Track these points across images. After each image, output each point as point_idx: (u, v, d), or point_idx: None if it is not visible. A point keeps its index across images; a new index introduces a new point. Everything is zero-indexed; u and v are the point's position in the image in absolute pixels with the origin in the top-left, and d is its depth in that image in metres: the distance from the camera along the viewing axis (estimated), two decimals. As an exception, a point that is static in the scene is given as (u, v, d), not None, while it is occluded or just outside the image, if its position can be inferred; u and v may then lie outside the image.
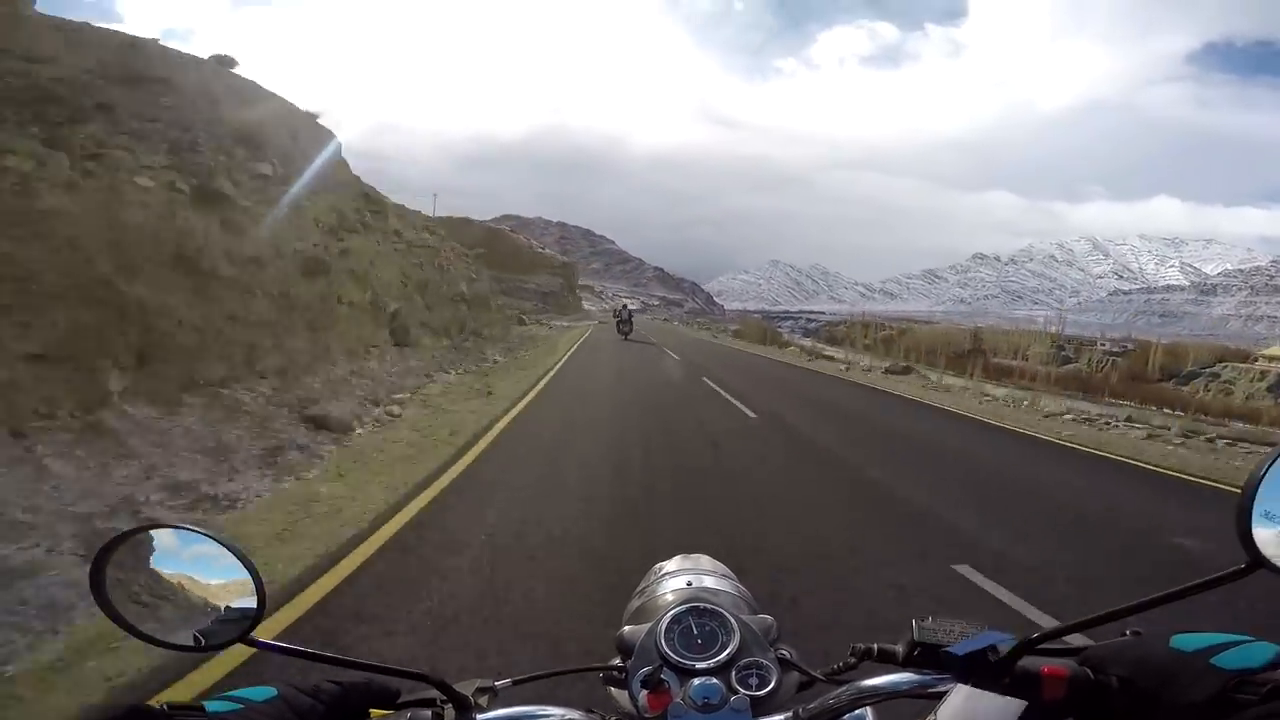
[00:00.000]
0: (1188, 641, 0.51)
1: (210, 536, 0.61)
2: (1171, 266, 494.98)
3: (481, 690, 0.66)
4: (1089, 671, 0.55)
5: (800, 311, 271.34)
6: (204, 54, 11.23)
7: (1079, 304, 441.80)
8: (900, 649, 0.63)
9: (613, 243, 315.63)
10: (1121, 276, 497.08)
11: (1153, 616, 0.52)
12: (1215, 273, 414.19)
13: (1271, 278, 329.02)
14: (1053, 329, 52.92)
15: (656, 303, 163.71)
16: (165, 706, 0.50)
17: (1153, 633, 0.55)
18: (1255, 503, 0.49)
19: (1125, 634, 0.58)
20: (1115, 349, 46.96)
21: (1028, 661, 0.56)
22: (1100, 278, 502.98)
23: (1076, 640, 0.58)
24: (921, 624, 0.63)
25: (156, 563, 0.61)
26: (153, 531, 0.62)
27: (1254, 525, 0.49)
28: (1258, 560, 0.48)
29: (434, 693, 0.64)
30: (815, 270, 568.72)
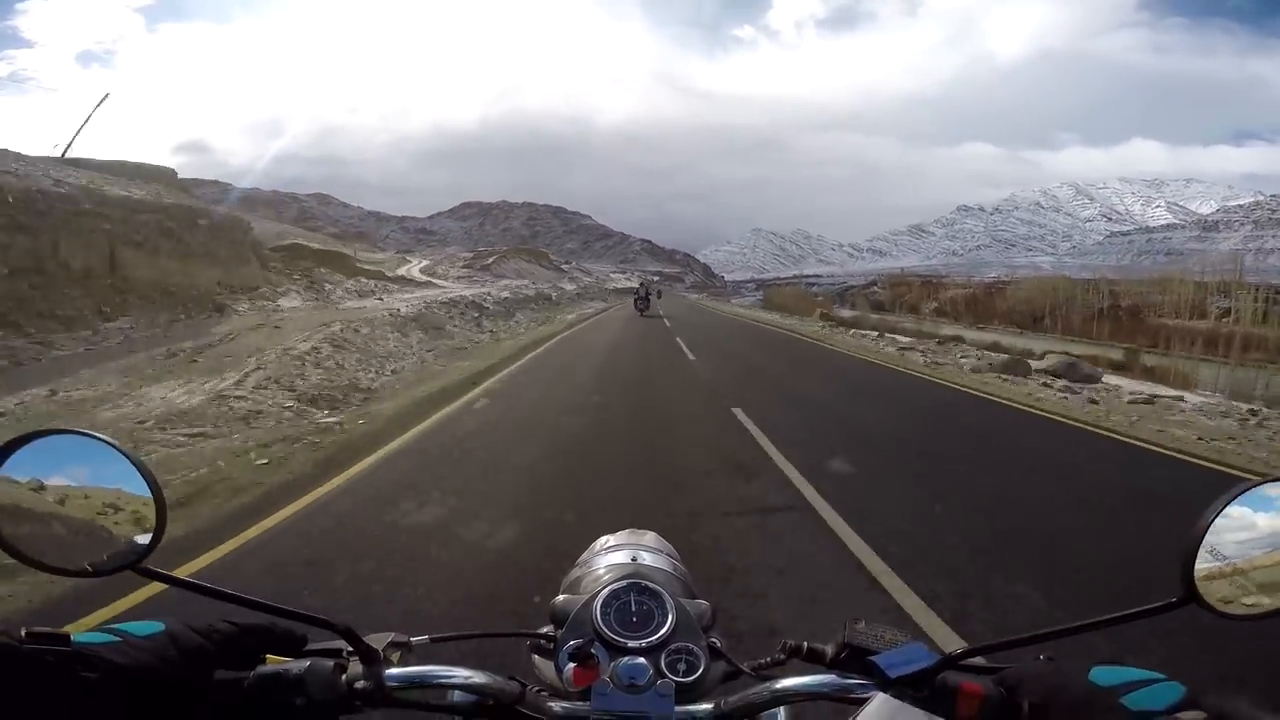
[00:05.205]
0: (1105, 675, 0.50)
1: (113, 446, 0.53)
2: (1158, 207, 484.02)
3: (395, 645, 0.62)
4: (1004, 692, 0.54)
5: (795, 277, 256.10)
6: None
7: (1074, 248, 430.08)
8: (829, 650, 0.63)
9: (589, 218, 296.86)
10: (1110, 219, 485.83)
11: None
12: (1203, 210, 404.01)
13: (1273, 212, 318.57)
14: (1215, 276, 37.12)
15: (655, 278, 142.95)
16: (25, 634, 0.45)
17: (1072, 662, 0.53)
18: (1203, 540, 0.49)
19: (1040, 657, 0.56)
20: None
21: (949, 676, 0.55)
22: (1089, 221, 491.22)
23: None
24: (854, 626, 0.62)
25: (50, 473, 0.53)
26: (50, 438, 0.53)
27: (1197, 562, 0.49)
28: (1192, 595, 0.49)
29: (342, 643, 0.57)
30: (798, 235, 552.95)
